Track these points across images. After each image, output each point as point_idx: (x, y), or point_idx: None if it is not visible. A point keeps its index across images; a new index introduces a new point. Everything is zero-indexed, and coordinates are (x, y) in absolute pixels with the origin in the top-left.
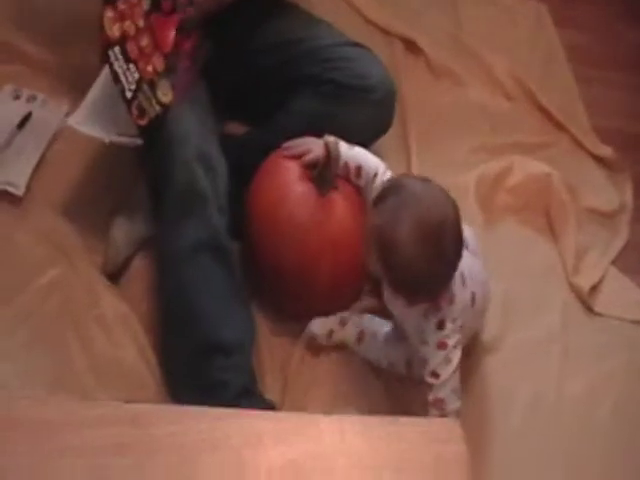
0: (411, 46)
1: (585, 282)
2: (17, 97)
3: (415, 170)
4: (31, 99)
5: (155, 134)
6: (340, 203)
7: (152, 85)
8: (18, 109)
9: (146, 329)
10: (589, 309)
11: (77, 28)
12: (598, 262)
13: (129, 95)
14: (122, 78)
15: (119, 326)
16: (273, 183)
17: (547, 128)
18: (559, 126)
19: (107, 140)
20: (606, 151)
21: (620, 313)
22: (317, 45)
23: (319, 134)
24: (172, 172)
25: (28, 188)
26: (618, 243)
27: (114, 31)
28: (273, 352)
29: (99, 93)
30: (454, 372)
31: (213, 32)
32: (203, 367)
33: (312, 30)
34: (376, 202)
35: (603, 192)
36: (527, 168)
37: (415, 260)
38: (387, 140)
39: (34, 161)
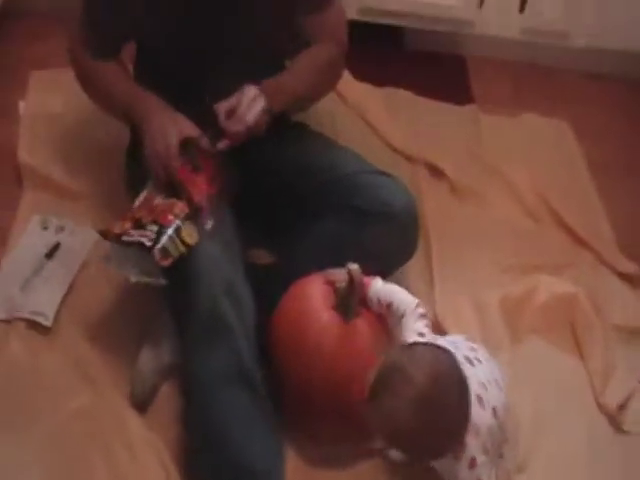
0: (434, 170)
1: (612, 400)
2: (45, 228)
3: (438, 290)
4: (59, 230)
5: (180, 267)
6: (365, 329)
7: (176, 229)
8: (47, 239)
9: (173, 456)
10: (617, 427)
11: (105, 159)
12: (625, 379)
13: (149, 244)
14: (137, 239)
15: (146, 453)
16: (297, 311)
17: (571, 246)
18: (583, 244)
19: (133, 279)
20: (630, 267)
21: None
22: (341, 173)
23: (343, 261)
24: (198, 304)
25: (56, 316)
26: None
27: (125, 225)
28: (301, 478)
29: None
30: None
31: (238, 159)
32: None
33: (336, 157)
34: (369, 398)
35: (629, 309)
36: (553, 288)
37: (429, 439)
38: (411, 261)
39: (62, 291)
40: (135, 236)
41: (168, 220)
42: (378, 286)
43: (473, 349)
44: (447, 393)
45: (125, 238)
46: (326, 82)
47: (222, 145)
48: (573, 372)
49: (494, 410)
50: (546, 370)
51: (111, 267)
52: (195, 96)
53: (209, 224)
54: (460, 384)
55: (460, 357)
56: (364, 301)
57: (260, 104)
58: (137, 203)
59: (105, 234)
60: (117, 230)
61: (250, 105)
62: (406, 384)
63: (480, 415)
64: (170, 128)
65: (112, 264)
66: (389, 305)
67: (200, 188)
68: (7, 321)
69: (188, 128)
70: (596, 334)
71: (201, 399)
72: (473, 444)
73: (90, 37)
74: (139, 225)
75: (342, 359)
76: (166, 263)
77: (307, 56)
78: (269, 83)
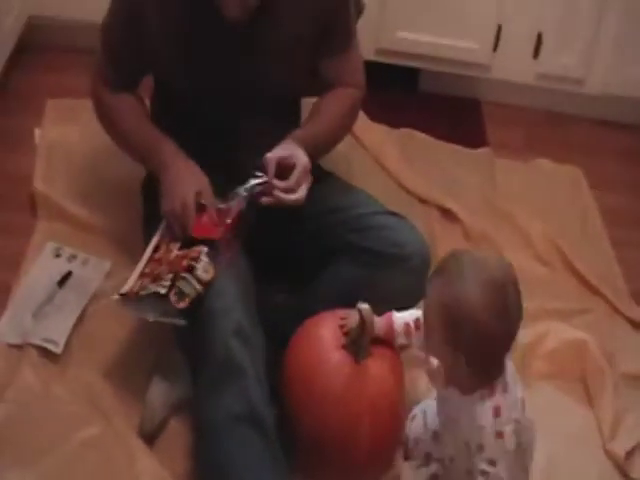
0: (447, 213)
1: (621, 447)
2: (58, 255)
3: None
4: (72, 258)
5: (196, 308)
6: (376, 370)
7: (191, 270)
8: (59, 267)
9: None
10: (625, 475)
11: (121, 191)
12: (635, 427)
13: (164, 292)
14: (153, 290)
15: None
16: (308, 351)
17: (583, 293)
18: (595, 291)
19: (151, 319)
20: None
21: None
22: (354, 214)
23: (354, 301)
24: (210, 345)
25: (67, 345)
26: None
27: (144, 282)
28: None
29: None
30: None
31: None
32: None
33: (349, 198)
34: (432, 277)
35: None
36: (563, 334)
37: (488, 320)
38: None
39: (73, 319)
40: (151, 288)
41: (183, 266)
42: (399, 314)
43: None
44: (514, 287)
45: (143, 293)
46: (348, 127)
47: (266, 201)
48: (583, 419)
49: (522, 400)
50: (555, 417)
51: (128, 310)
52: (211, 137)
53: (224, 260)
54: (517, 285)
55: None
56: (375, 341)
57: (309, 180)
58: (150, 247)
59: (124, 295)
60: (135, 289)
61: (302, 178)
62: (472, 262)
63: (512, 384)
64: (187, 185)
65: (129, 310)
66: (417, 319)
67: (215, 228)
68: (19, 347)
69: (204, 185)
70: (606, 381)
71: (211, 440)
72: (500, 395)
73: (108, 69)
74: (156, 278)
75: (351, 401)
76: (183, 305)
77: (334, 103)
78: (305, 139)
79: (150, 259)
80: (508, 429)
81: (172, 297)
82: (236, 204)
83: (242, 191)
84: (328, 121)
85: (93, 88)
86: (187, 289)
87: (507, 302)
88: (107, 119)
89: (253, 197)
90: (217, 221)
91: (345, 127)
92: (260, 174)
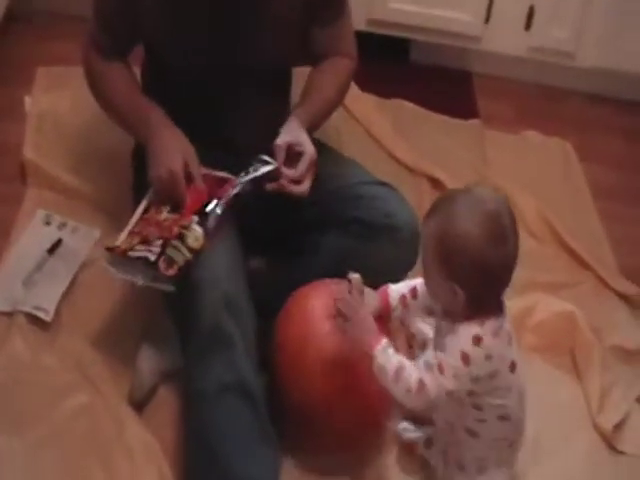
0: (437, 184)
1: (608, 420)
2: (48, 223)
3: None
4: (62, 226)
5: (185, 277)
6: None
7: (181, 237)
8: (49, 235)
9: (170, 458)
10: (613, 448)
11: (111, 158)
12: (622, 400)
13: (153, 258)
14: (143, 254)
15: (143, 455)
16: (299, 321)
17: (573, 267)
18: (584, 265)
19: (140, 283)
20: (631, 289)
21: None
22: (344, 183)
23: (343, 272)
24: (198, 315)
25: (57, 312)
26: None
27: (132, 242)
28: None
29: None
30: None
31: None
32: None
33: (340, 168)
34: (426, 217)
35: (628, 330)
36: (551, 307)
37: (483, 248)
38: (411, 272)
39: (63, 287)
40: (141, 251)
41: (174, 233)
42: (394, 287)
43: None
44: (509, 217)
45: (131, 254)
46: (342, 99)
47: (271, 187)
48: (571, 392)
49: (513, 362)
50: (543, 389)
51: (116, 275)
52: (202, 108)
53: (215, 231)
54: (511, 212)
55: None
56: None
57: (315, 171)
58: (140, 209)
59: (111, 250)
60: (124, 246)
61: (309, 169)
62: (464, 193)
63: (507, 330)
64: (172, 153)
65: (117, 272)
66: (414, 289)
67: (205, 200)
68: (9, 314)
69: (190, 154)
70: (593, 355)
71: (199, 410)
72: (489, 330)
73: (100, 36)
74: (146, 241)
75: (343, 368)
76: (172, 272)
77: (331, 76)
78: (308, 119)
79: (140, 218)
80: (474, 370)
81: (161, 264)
82: (240, 188)
83: (249, 176)
84: (327, 96)
85: (84, 55)
86: (176, 256)
87: (502, 231)
88: (97, 86)
89: (257, 181)
90: (207, 190)
91: (340, 99)
92: (268, 159)
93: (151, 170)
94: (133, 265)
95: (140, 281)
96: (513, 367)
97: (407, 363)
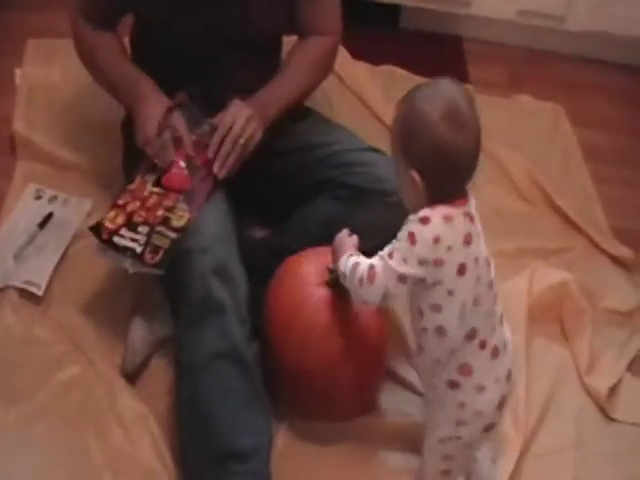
0: None
1: (602, 384)
2: (39, 197)
3: None
4: (53, 200)
5: (174, 255)
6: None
7: (165, 221)
8: (40, 209)
9: (163, 429)
10: (605, 415)
11: (102, 130)
12: (615, 363)
13: (139, 250)
14: (130, 245)
15: (136, 425)
16: (291, 288)
17: (565, 231)
18: (577, 228)
19: (131, 270)
20: (624, 252)
21: (637, 419)
22: (335, 150)
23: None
24: (189, 283)
25: (49, 285)
26: (636, 343)
27: (118, 220)
28: (294, 455)
29: None
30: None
31: None
32: (219, 473)
33: (331, 135)
34: (395, 108)
35: (621, 292)
36: (545, 279)
37: (439, 127)
38: None
39: (54, 260)
40: (127, 239)
41: (157, 217)
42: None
43: None
44: (467, 102)
45: (117, 240)
46: (320, 78)
47: (223, 173)
48: (560, 358)
49: (463, 264)
50: (533, 356)
51: (107, 259)
52: (192, 75)
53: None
54: (475, 112)
55: None
56: None
57: (243, 113)
58: (131, 186)
59: (97, 228)
60: (109, 224)
61: (245, 130)
62: (424, 86)
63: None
64: (158, 114)
65: (106, 258)
66: None
67: (188, 178)
68: (1, 289)
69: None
70: (585, 321)
71: (192, 378)
72: (438, 218)
73: (89, 5)
74: (131, 225)
75: (336, 336)
76: (157, 258)
77: (302, 58)
78: (262, 100)
79: (123, 189)
80: (424, 236)
81: (147, 255)
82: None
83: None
84: (294, 78)
85: (73, 24)
86: (161, 242)
87: (458, 113)
88: (86, 55)
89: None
90: (194, 153)
91: (317, 81)
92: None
93: (138, 134)
94: (120, 253)
95: (129, 269)
96: (462, 270)
97: (363, 259)
